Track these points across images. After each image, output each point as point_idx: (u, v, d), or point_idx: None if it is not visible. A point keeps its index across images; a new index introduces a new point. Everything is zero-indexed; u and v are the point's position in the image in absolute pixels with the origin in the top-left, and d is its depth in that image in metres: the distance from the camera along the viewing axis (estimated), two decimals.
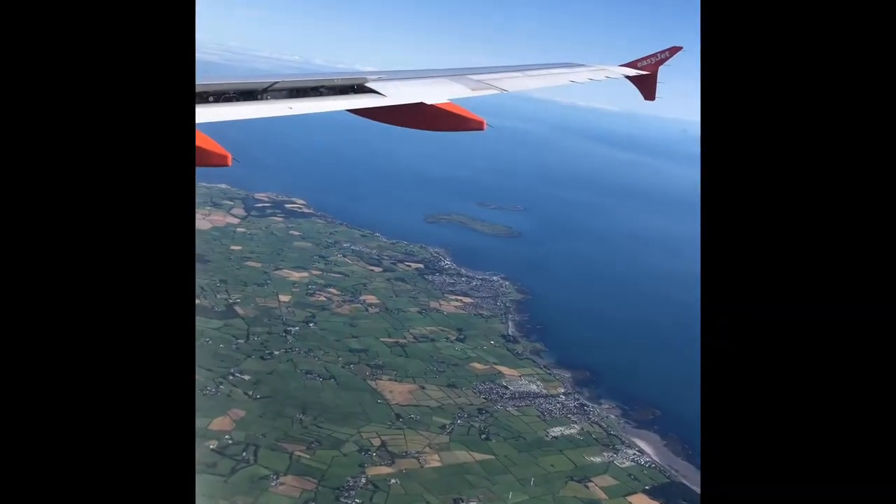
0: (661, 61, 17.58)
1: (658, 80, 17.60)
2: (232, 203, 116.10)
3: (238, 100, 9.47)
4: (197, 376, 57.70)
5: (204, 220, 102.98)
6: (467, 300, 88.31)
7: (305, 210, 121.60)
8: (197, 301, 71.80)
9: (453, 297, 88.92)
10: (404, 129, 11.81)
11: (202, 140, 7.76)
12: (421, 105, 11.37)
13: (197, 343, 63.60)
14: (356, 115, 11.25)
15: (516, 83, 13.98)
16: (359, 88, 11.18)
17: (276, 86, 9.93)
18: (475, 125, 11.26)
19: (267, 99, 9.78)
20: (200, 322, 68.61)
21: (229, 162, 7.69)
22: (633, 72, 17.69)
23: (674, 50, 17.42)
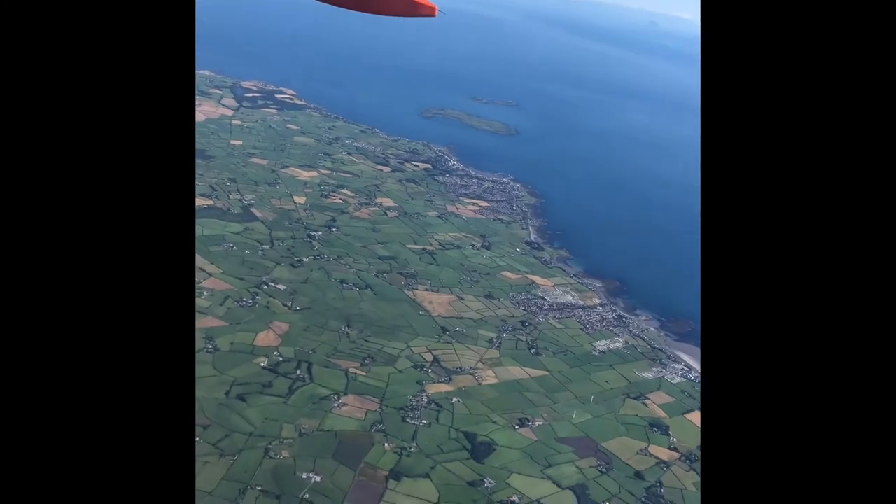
0: None
1: None
2: (220, 92, 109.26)
3: None
4: (230, 286, 54.79)
5: (196, 112, 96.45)
6: (483, 204, 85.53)
7: (297, 101, 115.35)
8: (210, 202, 68.01)
9: (469, 200, 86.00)
10: (374, 15, 11.04)
11: None
12: None
13: (221, 248, 60.19)
14: None
15: None
16: None
17: None
18: (427, 11, 10.29)
19: None
20: (219, 225, 64.82)
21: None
22: None
23: None
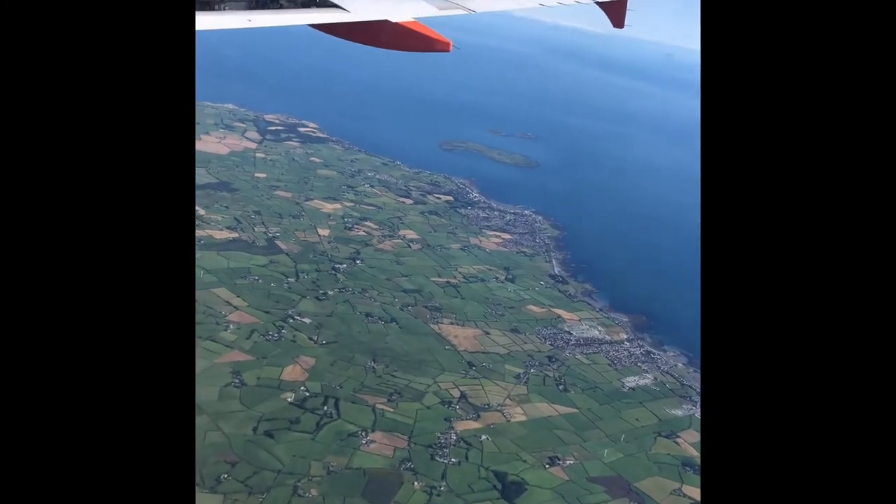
0: None
1: (628, 7, 16.92)
2: (244, 126, 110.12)
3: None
4: (256, 319, 54.56)
5: (220, 145, 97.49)
6: (506, 236, 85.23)
7: (320, 134, 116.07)
8: (235, 235, 68.05)
9: (491, 232, 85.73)
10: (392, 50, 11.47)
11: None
12: (385, 23, 10.67)
13: (247, 281, 60.13)
14: (318, 31, 10.90)
15: (485, 3, 13.49)
16: (321, 2, 10.55)
17: None
18: (441, 46, 10.69)
19: (224, 9, 9.13)
20: (244, 258, 64.84)
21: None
22: None
23: None
